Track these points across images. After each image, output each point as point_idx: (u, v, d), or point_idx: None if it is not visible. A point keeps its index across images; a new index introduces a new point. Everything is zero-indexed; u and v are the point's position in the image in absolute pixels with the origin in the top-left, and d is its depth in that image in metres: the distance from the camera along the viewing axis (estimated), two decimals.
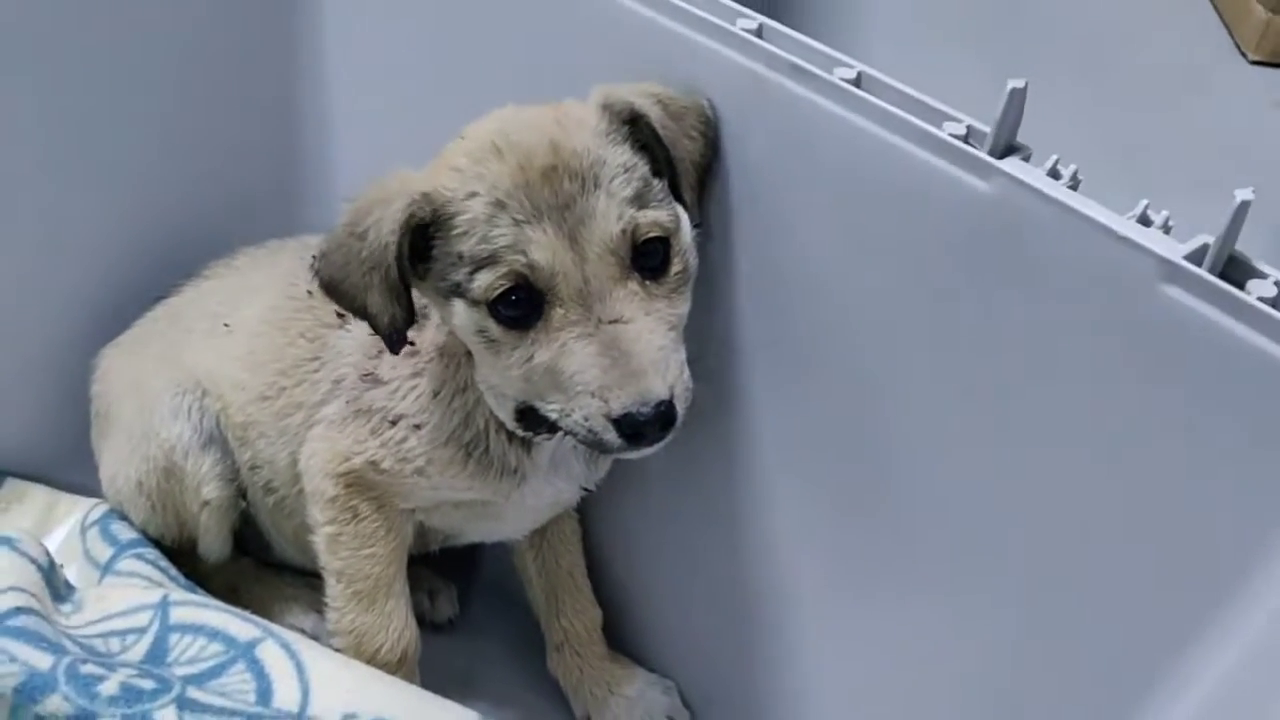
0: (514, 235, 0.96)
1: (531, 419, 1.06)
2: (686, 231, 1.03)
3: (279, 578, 1.42)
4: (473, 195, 0.97)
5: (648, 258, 0.99)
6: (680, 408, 0.96)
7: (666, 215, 1.00)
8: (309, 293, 1.28)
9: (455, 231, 0.98)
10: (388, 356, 1.19)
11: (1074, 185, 0.89)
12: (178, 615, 1.12)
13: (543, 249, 0.96)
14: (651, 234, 0.98)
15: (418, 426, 1.17)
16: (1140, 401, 0.87)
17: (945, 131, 0.93)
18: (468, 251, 0.98)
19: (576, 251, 0.96)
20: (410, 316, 1.03)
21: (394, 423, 1.18)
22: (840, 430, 1.10)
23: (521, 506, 1.23)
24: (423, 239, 1.00)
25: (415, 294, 1.05)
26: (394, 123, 1.45)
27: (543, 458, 1.17)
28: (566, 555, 1.38)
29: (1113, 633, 0.92)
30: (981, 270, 0.94)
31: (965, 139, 0.93)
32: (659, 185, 1.02)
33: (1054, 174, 0.90)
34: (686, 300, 1.03)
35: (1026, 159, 0.92)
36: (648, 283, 0.99)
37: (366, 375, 1.21)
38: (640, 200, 0.99)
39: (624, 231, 0.97)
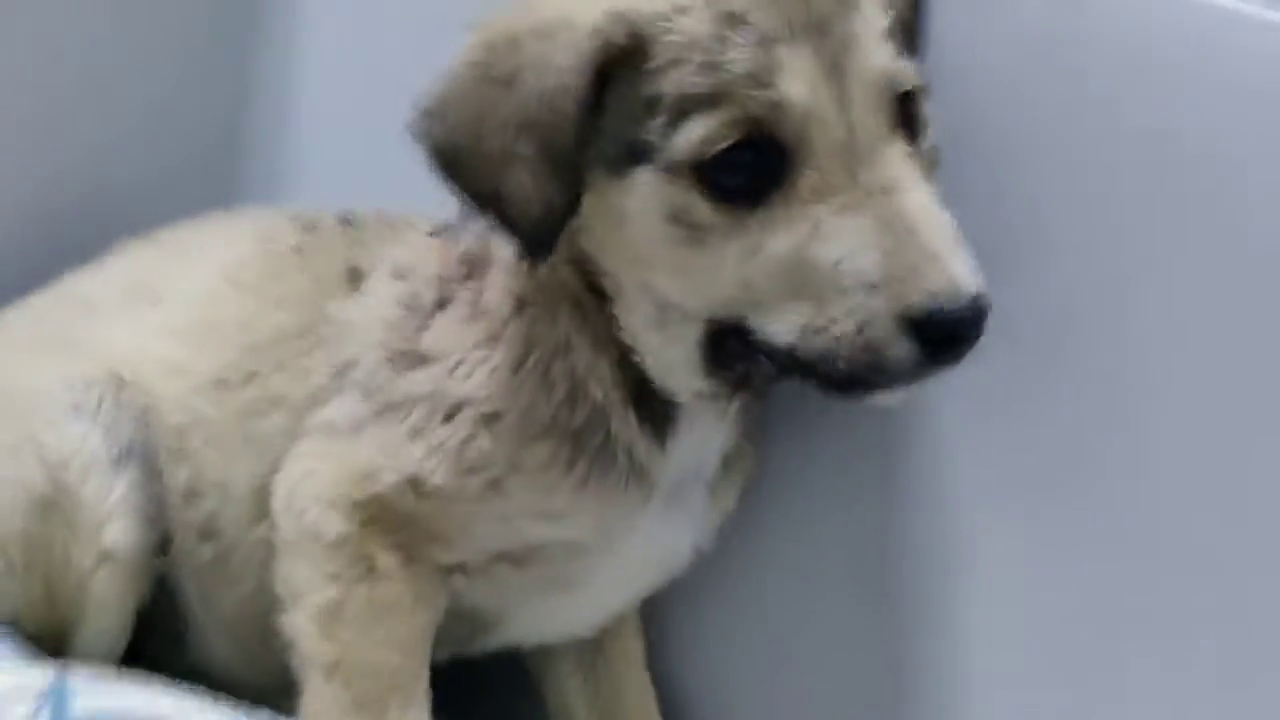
0: (757, 59, 0.69)
1: (728, 351, 0.75)
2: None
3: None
4: (685, 8, 0.70)
5: (906, 120, 0.72)
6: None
7: (914, 68, 0.74)
8: (296, 249, 0.91)
9: (653, 64, 0.70)
10: (437, 322, 0.82)
11: None
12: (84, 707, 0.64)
13: (800, 80, 0.68)
14: (911, 86, 0.73)
15: (493, 416, 0.79)
16: None
17: None
18: (673, 91, 0.70)
19: (839, 89, 0.69)
20: (576, 203, 0.73)
21: (450, 416, 0.79)
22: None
23: (622, 560, 0.84)
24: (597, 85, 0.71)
25: None
26: (365, 104, 1.13)
27: (678, 459, 0.83)
28: (631, 682, 0.98)
29: None
30: None
31: None
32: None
33: None
34: None
35: None
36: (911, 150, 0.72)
37: (399, 354, 0.81)
38: (892, 39, 0.73)
39: (889, 73, 0.71)
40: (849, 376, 0.68)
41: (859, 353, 0.67)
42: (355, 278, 0.86)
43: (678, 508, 0.84)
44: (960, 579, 0.87)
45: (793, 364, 0.70)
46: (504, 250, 0.80)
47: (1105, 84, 0.79)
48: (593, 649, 0.97)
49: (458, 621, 0.86)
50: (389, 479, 0.78)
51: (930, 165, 0.73)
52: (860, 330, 0.67)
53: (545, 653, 0.97)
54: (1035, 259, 0.81)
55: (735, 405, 0.82)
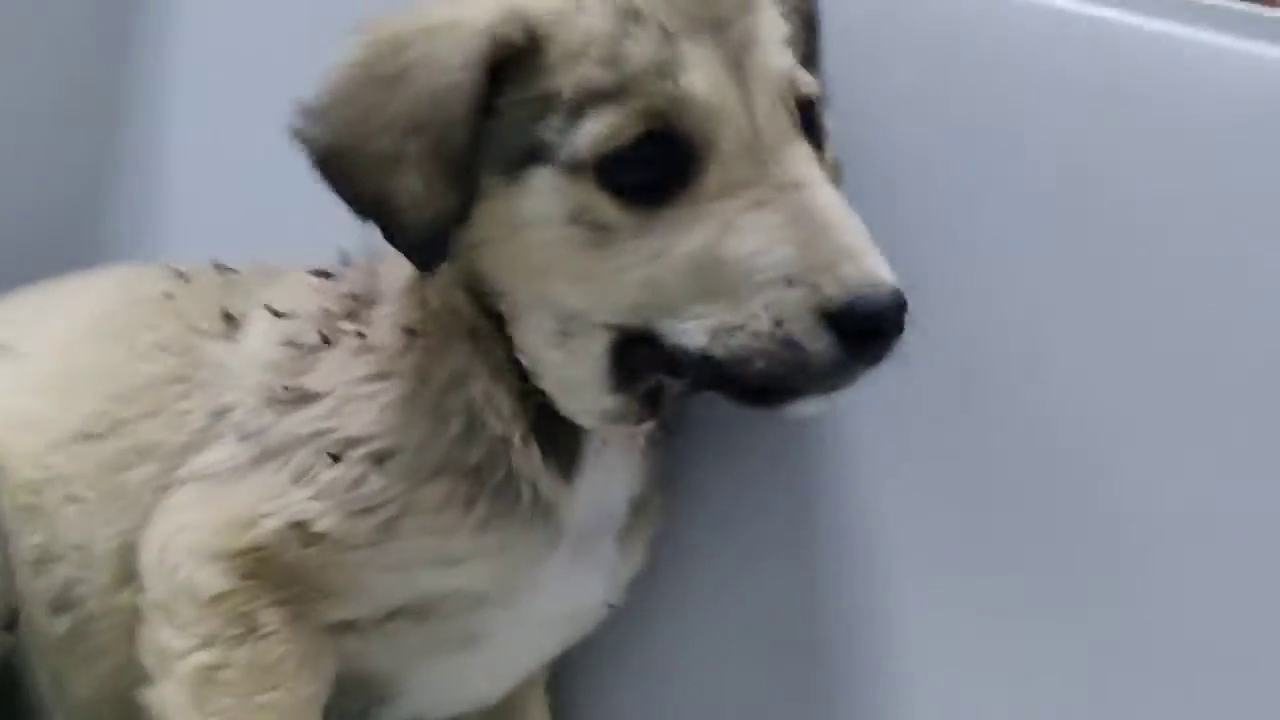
0: (659, 53, 0.66)
1: (636, 362, 0.70)
2: None
3: None
4: (583, 6, 0.68)
5: (808, 127, 0.70)
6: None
7: (812, 78, 0.72)
8: (166, 295, 0.85)
9: (550, 60, 0.67)
10: (322, 360, 0.76)
11: None
12: None
13: (703, 74, 0.66)
14: (809, 92, 0.70)
15: (384, 454, 0.73)
16: None
17: None
18: (571, 88, 0.67)
19: (742, 86, 0.67)
20: (468, 209, 0.68)
21: (338, 456, 0.73)
22: None
23: (528, 614, 0.78)
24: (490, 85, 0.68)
25: None
26: (236, 156, 1.09)
27: (586, 497, 0.77)
28: None
29: None
30: None
31: None
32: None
33: None
34: None
35: None
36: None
37: (281, 393, 0.75)
38: (791, 48, 0.71)
39: (789, 76, 0.69)
40: (766, 379, 0.64)
41: (777, 349, 0.63)
42: (231, 321, 0.80)
43: (586, 558, 0.77)
44: (886, 624, 0.82)
45: (706, 371, 0.66)
46: (390, 286, 0.76)
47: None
48: None
49: (350, 691, 0.78)
50: (271, 525, 0.71)
51: (835, 176, 0.71)
52: (778, 324, 0.63)
53: None
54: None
55: (643, 440, 0.78)
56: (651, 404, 0.72)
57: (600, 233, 0.66)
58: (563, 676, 0.92)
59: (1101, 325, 0.74)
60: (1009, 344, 0.76)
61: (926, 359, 0.75)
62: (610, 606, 0.82)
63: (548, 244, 0.67)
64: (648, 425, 0.75)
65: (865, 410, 0.80)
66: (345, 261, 0.81)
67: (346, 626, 0.74)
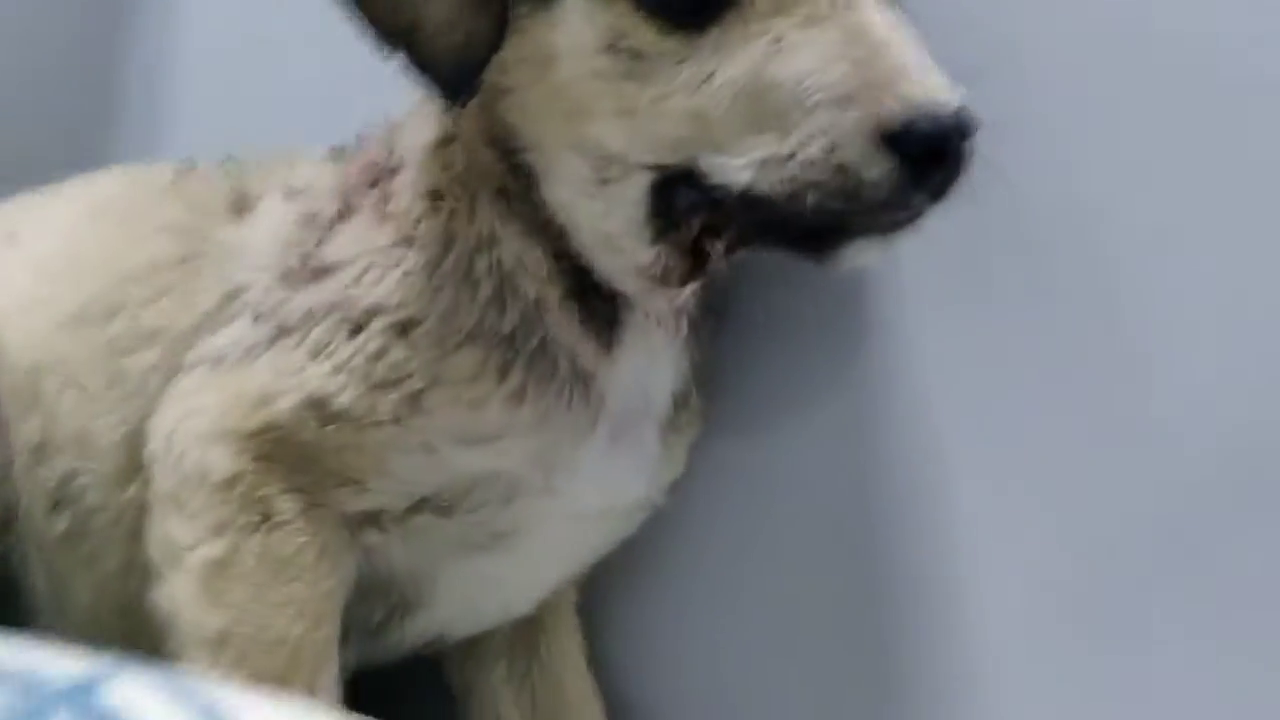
0: None
1: (678, 204, 0.65)
2: None
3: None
4: None
5: None
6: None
7: None
8: (173, 182, 0.80)
9: None
10: (339, 232, 0.71)
11: None
12: None
13: None
14: None
15: (408, 323, 0.68)
16: None
17: None
18: None
19: None
20: (501, 35, 0.64)
21: (358, 328, 0.68)
22: None
23: (565, 507, 0.72)
24: None
25: None
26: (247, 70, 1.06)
27: (628, 372, 0.72)
28: (572, 689, 0.85)
29: None
30: None
31: None
32: None
33: None
34: None
35: None
36: None
37: (298, 267, 0.71)
38: None
39: None
40: (819, 217, 0.59)
41: (830, 179, 0.59)
42: (242, 203, 0.75)
43: (626, 445, 0.72)
44: (947, 538, 0.76)
45: (753, 213, 0.61)
46: (411, 152, 0.71)
47: None
48: (526, 653, 0.84)
49: (370, 597, 0.73)
50: (287, 403, 0.66)
51: None
52: (832, 150, 0.58)
53: (472, 659, 0.83)
54: None
55: (686, 323, 0.73)
56: (695, 263, 0.67)
57: (638, 62, 0.62)
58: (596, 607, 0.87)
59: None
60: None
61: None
62: (652, 507, 0.77)
63: (583, 78, 0.63)
64: (691, 290, 0.69)
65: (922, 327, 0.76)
66: (363, 138, 0.76)
67: (368, 519, 0.69)
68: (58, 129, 1.07)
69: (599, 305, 0.69)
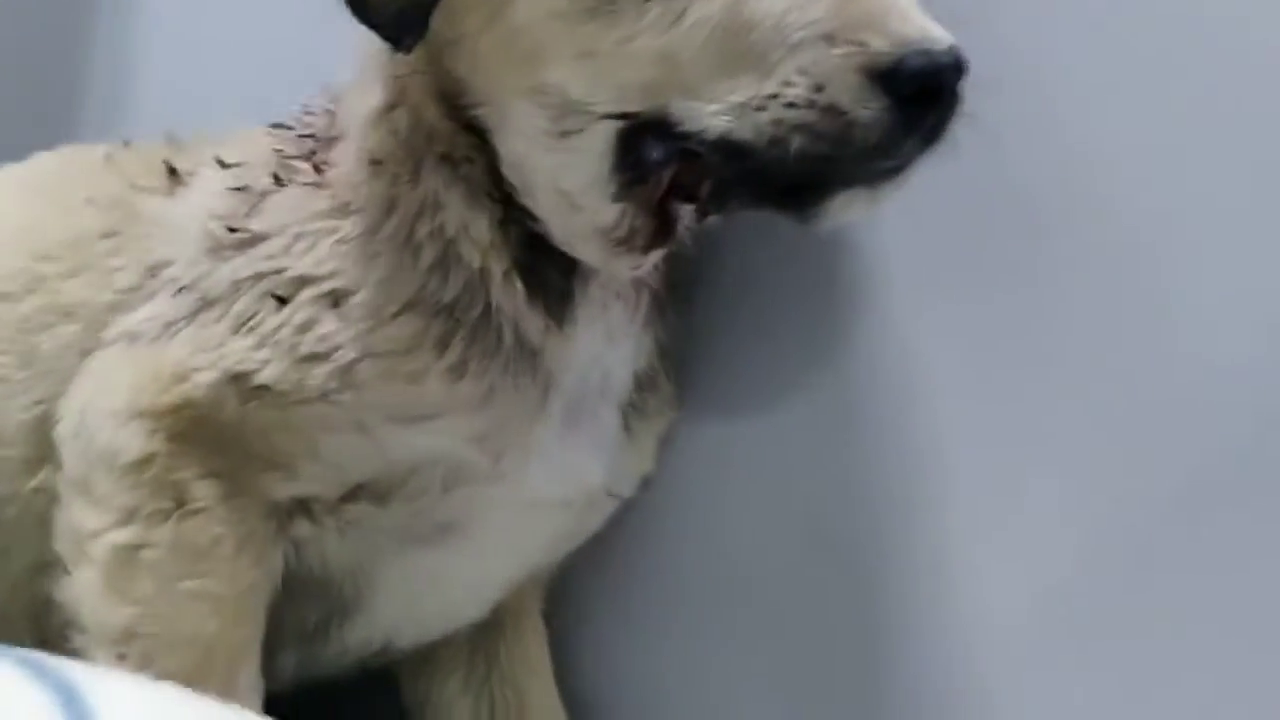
0: None
1: (645, 156, 0.61)
2: None
3: None
4: None
5: None
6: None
7: None
8: (105, 157, 0.76)
9: None
10: (272, 200, 0.66)
11: None
12: None
13: None
14: None
15: (340, 293, 0.64)
16: None
17: None
18: None
19: None
20: None
21: (285, 299, 0.63)
22: None
23: (517, 494, 0.67)
24: None
25: None
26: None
27: (581, 348, 0.67)
28: (535, 700, 0.79)
29: None
30: None
31: None
32: None
33: None
34: None
35: None
36: None
37: (224, 237, 0.66)
38: None
39: None
40: (804, 163, 0.56)
41: (818, 120, 0.55)
42: (175, 177, 0.71)
43: (583, 427, 0.67)
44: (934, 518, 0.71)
45: (730, 162, 0.57)
46: (353, 120, 0.66)
47: None
48: (486, 662, 0.79)
49: (301, 597, 0.67)
50: (204, 379, 0.62)
51: None
52: (818, 89, 0.55)
53: (426, 670, 0.78)
54: None
55: (649, 297, 0.67)
56: (661, 226, 0.62)
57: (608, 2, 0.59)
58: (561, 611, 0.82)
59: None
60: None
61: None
62: (616, 498, 0.72)
63: (538, 20, 0.59)
64: (655, 259, 0.64)
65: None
66: (305, 111, 0.72)
67: (297, 508, 0.64)
68: (24, 112, 1.05)
69: (552, 276, 0.64)
